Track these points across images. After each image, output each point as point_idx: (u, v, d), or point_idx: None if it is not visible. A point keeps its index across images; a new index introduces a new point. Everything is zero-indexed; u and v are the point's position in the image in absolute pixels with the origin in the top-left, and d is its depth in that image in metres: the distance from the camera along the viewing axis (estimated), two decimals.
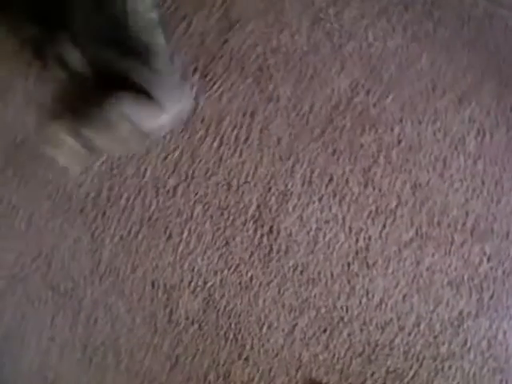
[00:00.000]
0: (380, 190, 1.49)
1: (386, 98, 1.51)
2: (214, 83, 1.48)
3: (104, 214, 1.39)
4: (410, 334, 1.40)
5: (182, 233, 1.40)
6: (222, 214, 1.42)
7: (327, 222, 1.44)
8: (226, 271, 1.40)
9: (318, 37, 1.52)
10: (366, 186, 1.49)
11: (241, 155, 1.46)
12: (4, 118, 1.37)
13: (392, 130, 1.50)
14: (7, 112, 1.38)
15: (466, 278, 1.47)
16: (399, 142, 1.51)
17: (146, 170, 1.42)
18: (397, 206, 1.48)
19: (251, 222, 1.43)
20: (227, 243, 1.41)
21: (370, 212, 1.47)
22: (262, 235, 1.42)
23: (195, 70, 1.48)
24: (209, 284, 1.39)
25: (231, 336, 1.37)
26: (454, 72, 1.53)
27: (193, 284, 1.39)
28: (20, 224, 1.37)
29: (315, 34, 1.52)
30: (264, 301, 1.39)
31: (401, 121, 1.50)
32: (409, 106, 1.52)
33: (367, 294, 1.42)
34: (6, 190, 1.38)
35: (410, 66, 1.54)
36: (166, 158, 1.43)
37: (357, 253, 1.44)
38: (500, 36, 1.53)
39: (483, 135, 1.49)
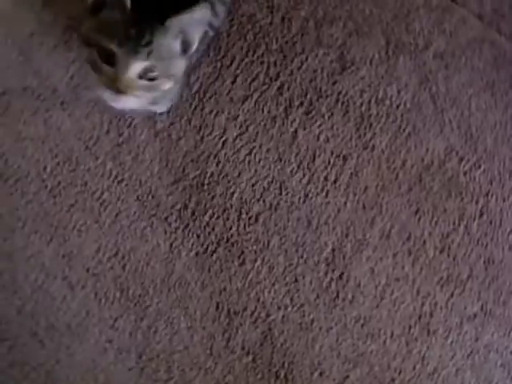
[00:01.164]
0: (454, 259, 1.17)
1: (477, 168, 1.14)
2: (316, 121, 1.16)
3: (186, 226, 1.02)
4: None
5: (256, 261, 1.03)
6: (297, 250, 1.05)
7: (397, 279, 1.05)
8: (289, 308, 1.04)
9: (423, 97, 1.14)
10: (441, 251, 1.17)
11: (326, 196, 1.15)
12: None
13: (477, 202, 1.15)
14: None
15: None
16: (481, 214, 1.18)
17: (234, 192, 1.01)
18: (468, 278, 1.13)
19: (323, 264, 1.07)
20: (296, 280, 1.05)
21: (441, 278, 1.13)
22: (331, 279, 1.05)
23: (301, 104, 1.16)
24: (271, 318, 1.02)
25: (282, 375, 1.00)
26: None
27: (255, 314, 1.02)
28: (105, 220, 0.98)
29: (420, 94, 1.14)
30: (321, 347, 1.01)
31: (487, 194, 1.13)
32: (497, 181, 1.15)
33: (423, 360, 1.05)
34: (105, 182, 1.06)
35: (505, 142, 1.18)
36: (254, 184, 1.01)
37: (420, 317, 1.06)
38: None
39: None
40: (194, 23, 0.85)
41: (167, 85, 0.87)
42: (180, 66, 0.89)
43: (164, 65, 0.84)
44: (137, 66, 0.82)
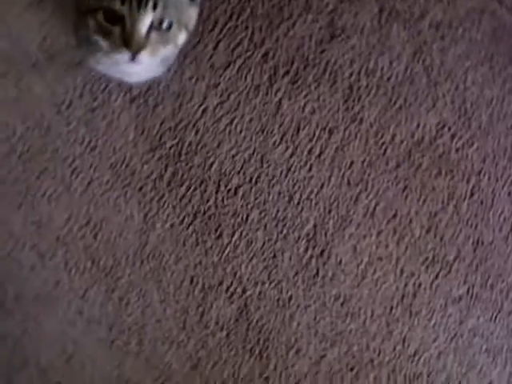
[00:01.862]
0: (441, 239, 1.12)
1: (469, 146, 1.09)
2: (302, 91, 1.11)
3: (161, 197, 0.99)
4: None
5: (233, 235, 0.99)
6: (276, 225, 1.01)
7: (380, 258, 1.01)
8: (267, 284, 1.00)
9: (417, 69, 1.08)
10: (428, 231, 1.12)
11: (310, 170, 1.11)
12: None
13: (468, 180, 1.09)
14: None
15: (505, 348, 1.10)
16: (472, 194, 1.13)
17: (212, 163, 0.97)
18: (454, 259, 1.10)
19: (304, 241, 1.03)
20: (275, 256, 1.01)
21: (426, 259, 1.10)
22: (311, 256, 1.01)
23: (286, 73, 1.11)
24: (247, 293, 0.99)
25: (257, 352, 0.97)
26: None
27: (231, 290, 0.98)
28: (77, 188, 0.94)
29: (414, 66, 1.08)
30: (298, 324, 0.98)
31: (479, 173, 1.07)
32: (490, 160, 1.09)
33: (403, 341, 1.01)
34: (77, 149, 1.04)
35: (501, 120, 1.11)
36: (235, 155, 0.96)
37: (402, 297, 1.02)
38: None
39: None
40: None
41: (182, 36, 0.84)
42: (191, 13, 0.85)
43: (174, 13, 0.81)
44: (146, 19, 0.79)
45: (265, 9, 1.11)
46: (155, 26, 0.81)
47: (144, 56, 0.81)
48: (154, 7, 0.79)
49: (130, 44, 0.79)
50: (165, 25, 0.82)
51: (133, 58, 0.80)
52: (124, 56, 0.81)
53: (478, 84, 1.15)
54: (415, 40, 1.14)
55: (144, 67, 0.86)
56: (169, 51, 0.85)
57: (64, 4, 1.04)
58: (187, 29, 0.86)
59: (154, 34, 0.81)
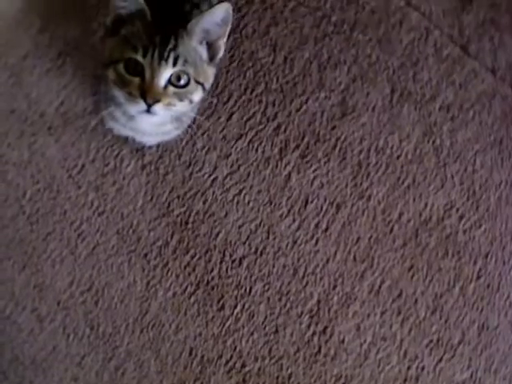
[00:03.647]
0: (446, 322, 1.12)
1: (477, 228, 1.10)
2: (311, 165, 1.13)
3: (166, 265, 0.99)
4: None
5: (235, 307, 0.99)
6: (280, 299, 1.01)
7: (384, 339, 1.00)
8: (267, 360, 0.99)
9: (426, 149, 1.10)
10: (433, 312, 1.11)
11: (316, 244, 1.11)
12: None
13: (475, 263, 1.10)
14: None
15: None
16: (479, 277, 1.13)
17: (219, 233, 0.97)
18: (459, 343, 1.10)
19: (307, 316, 1.04)
20: (277, 331, 1.01)
21: (431, 341, 1.10)
22: (314, 333, 1.01)
23: (297, 147, 1.14)
24: (246, 368, 0.98)
25: None
26: None
27: (230, 364, 0.97)
28: (82, 252, 0.94)
29: (423, 146, 1.12)
30: None
31: (486, 256, 1.08)
32: (498, 243, 1.10)
33: None
34: (85, 213, 1.04)
35: (509, 203, 1.14)
36: (241, 226, 0.97)
37: (405, 380, 1.03)
38: None
39: None
40: (217, 24, 0.85)
41: (198, 94, 0.87)
42: (209, 73, 0.89)
43: (193, 71, 0.85)
44: (166, 73, 0.82)
45: (279, 84, 1.13)
46: (173, 81, 0.84)
47: (159, 108, 0.83)
48: (174, 63, 0.83)
49: (148, 95, 0.82)
50: (182, 81, 0.84)
51: (148, 108, 0.83)
52: (140, 106, 0.83)
53: (487, 167, 1.16)
54: (425, 121, 1.16)
55: (159, 123, 0.88)
56: (184, 107, 0.87)
57: (83, 69, 1.07)
58: (204, 87, 0.89)
59: (171, 88, 0.84)
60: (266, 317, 1.06)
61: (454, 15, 1.19)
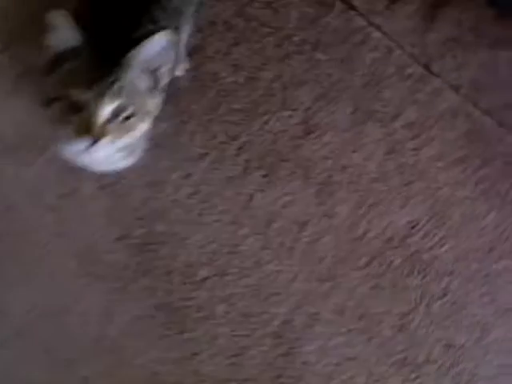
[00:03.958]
0: (412, 340, 1.10)
1: (441, 246, 1.12)
2: (275, 185, 1.13)
3: (125, 288, 0.96)
4: None
5: (197, 330, 0.94)
6: (243, 320, 0.97)
7: (349, 359, 1.00)
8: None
9: (389, 167, 1.12)
10: (399, 331, 1.11)
11: (280, 263, 1.11)
12: None
13: (440, 280, 1.13)
14: None
15: None
16: (444, 295, 1.13)
17: (180, 254, 0.95)
18: (425, 362, 1.10)
19: (271, 338, 1.04)
20: (240, 354, 0.97)
21: (396, 361, 1.09)
22: (278, 355, 1.01)
23: (260, 166, 1.12)
24: None
25: None
26: None
27: None
28: (45, 276, 0.91)
29: (387, 164, 1.14)
30: None
31: (451, 273, 1.12)
32: (462, 260, 1.11)
33: None
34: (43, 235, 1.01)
35: (473, 220, 1.16)
36: (203, 246, 0.95)
37: None
38: None
39: None
40: (158, 53, 0.82)
41: (143, 125, 0.85)
42: (153, 102, 0.86)
43: (136, 102, 0.83)
44: (108, 107, 0.80)
45: (242, 104, 1.13)
46: (115, 115, 0.82)
47: (103, 144, 0.81)
48: (117, 96, 0.81)
49: (90, 131, 0.80)
50: (124, 114, 0.82)
51: (92, 145, 0.80)
52: (84, 143, 0.81)
53: (450, 184, 1.17)
54: (389, 139, 1.16)
55: (107, 155, 0.87)
56: (131, 138, 0.85)
57: (41, 92, 1.06)
58: (149, 117, 0.87)
59: (113, 123, 0.82)
60: (228, 339, 1.05)
61: (416, 34, 1.20)
